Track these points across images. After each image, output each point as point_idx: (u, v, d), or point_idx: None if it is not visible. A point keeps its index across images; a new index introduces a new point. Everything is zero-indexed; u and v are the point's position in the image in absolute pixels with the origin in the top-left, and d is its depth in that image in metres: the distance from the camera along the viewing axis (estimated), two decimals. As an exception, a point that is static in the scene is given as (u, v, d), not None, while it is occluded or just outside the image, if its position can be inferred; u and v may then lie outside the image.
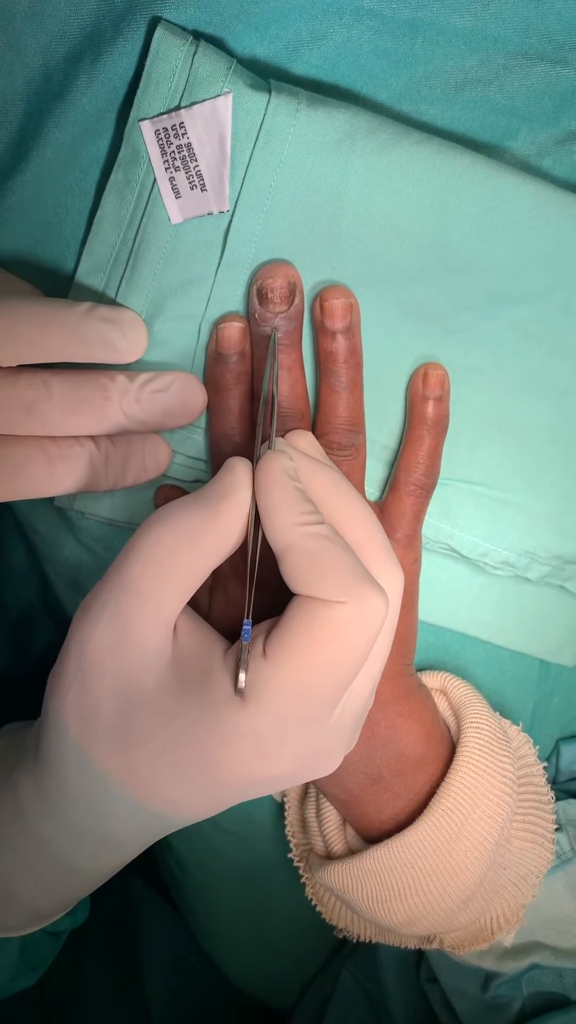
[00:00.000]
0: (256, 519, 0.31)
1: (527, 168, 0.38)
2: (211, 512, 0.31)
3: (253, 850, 0.53)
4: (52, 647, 0.71)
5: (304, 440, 0.35)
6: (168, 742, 0.30)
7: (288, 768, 0.31)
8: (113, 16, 0.33)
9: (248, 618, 0.31)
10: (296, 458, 0.33)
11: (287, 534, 0.30)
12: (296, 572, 0.30)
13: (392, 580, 0.33)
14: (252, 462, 0.32)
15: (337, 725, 0.32)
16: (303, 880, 0.46)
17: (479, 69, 0.36)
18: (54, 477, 0.36)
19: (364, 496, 0.39)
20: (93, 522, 0.43)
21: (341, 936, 0.47)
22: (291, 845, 0.47)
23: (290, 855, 0.46)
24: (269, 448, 0.33)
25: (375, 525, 0.33)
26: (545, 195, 0.35)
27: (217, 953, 0.59)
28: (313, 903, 0.46)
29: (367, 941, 0.46)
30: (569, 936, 0.44)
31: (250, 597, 0.32)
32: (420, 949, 0.51)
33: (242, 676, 0.29)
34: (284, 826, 0.48)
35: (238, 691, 0.29)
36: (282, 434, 0.36)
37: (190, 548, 0.30)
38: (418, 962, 0.51)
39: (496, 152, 0.38)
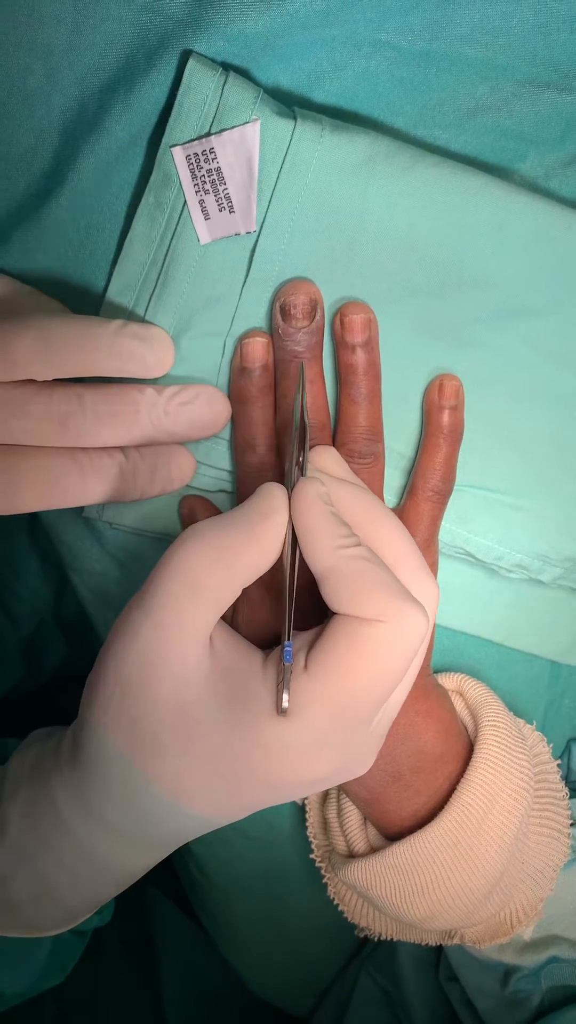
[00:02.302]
0: (293, 542, 0.32)
1: (536, 189, 0.39)
2: (248, 533, 0.32)
3: (273, 855, 0.53)
4: (64, 664, 0.72)
5: (329, 457, 0.37)
6: (212, 752, 0.31)
7: (326, 772, 0.32)
8: (146, 49, 0.35)
9: (288, 639, 0.32)
10: (327, 482, 0.34)
11: (327, 558, 0.31)
12: (337, 593, 0.31)
13: (428, 595, 0.34)
14: (284, 484, 0.33)
15: (373, 732, 0.34)
16: (325, 880, 0.47)
17: (489, 96, 0.38)
18: (86, 487, 0.37)
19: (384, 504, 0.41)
20: (119, 532, 0.45)
21: (362, 935, 0.48)
22: (312, 846, 0.47)
23: (312, 856, 0.47)
24: (302, 474, 0.34)
25: (409, 542, 0.35)
26: (553, 214, 0.37)
27: (236, 959, 0.59)
28: (335, 902, 0.47)
29: (388, 939, 0.47)
30: (587, 929, 0.45)
31: (289, 621, 0.33)
32: (439, 948, 0.52)
33: (285, 697, 0.30)
34: (303, 831, 0.49)
35: (281, 712, 0.31)
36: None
37: (225, 566, 0.31)
38: (437, 961, 0.52)
39: (506, 174, 0.40)
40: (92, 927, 0.43)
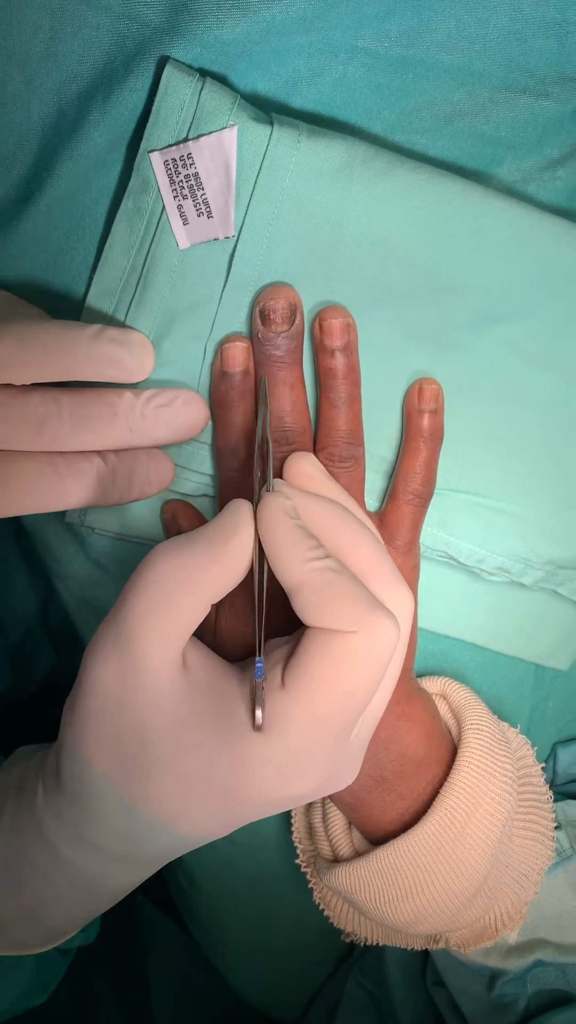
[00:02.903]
0: (260, 558, 0.33)
1: (513, 193, 0.40)
2: (214, 550, 0.32)
3: (260, 861, 0.53)
4: (53, 672, 0.72)
5: (307, 463, 0.37)
6: (192, 771, 0.31)
7: (309, 788, 0.32)
8: (124, 56, 0.35)
9: (260, 656, 0.32)
10: (294, 496, 0.34)
11: (296, 572, 0.32)
12: (309, 606, 0.31)
13: (401, 603, 0.34)
14: (251, 500, 0.33)
15: (354, 743, 0.34)
16: (310, 885, 0.47)
17: (466, 102, 0.38)
18: (63, 491, 0.37)
19: (365, 507, 0.41)
20: (102, 537, 0.45)
21: (348, 940, 0.48)
22: (298, 851, 0.47)
23: (297, 861, 0.47)
24: (267, 489, 0.34)
25: (379, 550, 0.35)
26: (531, 218, 0.38)
27: (225, 966, 0.59)
28: (321, 908, 0.47)
29: (374, 944, 0.47)
30: (572, 932, 0.45)
31: (260, 637, 0.33)
32: (426, 953, 0.52)
33: (259, 713, 0.31)
34: (289, 836, 0.49)
35: (256, 727, 0.31)
36: (283, 456, 0.38)
37: (193, 583, 0.31)
38: (424, 967, 0.52)
39: (484, 179, 0.40)
40: (77, 945, 0.43)
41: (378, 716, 0.35)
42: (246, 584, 0.39)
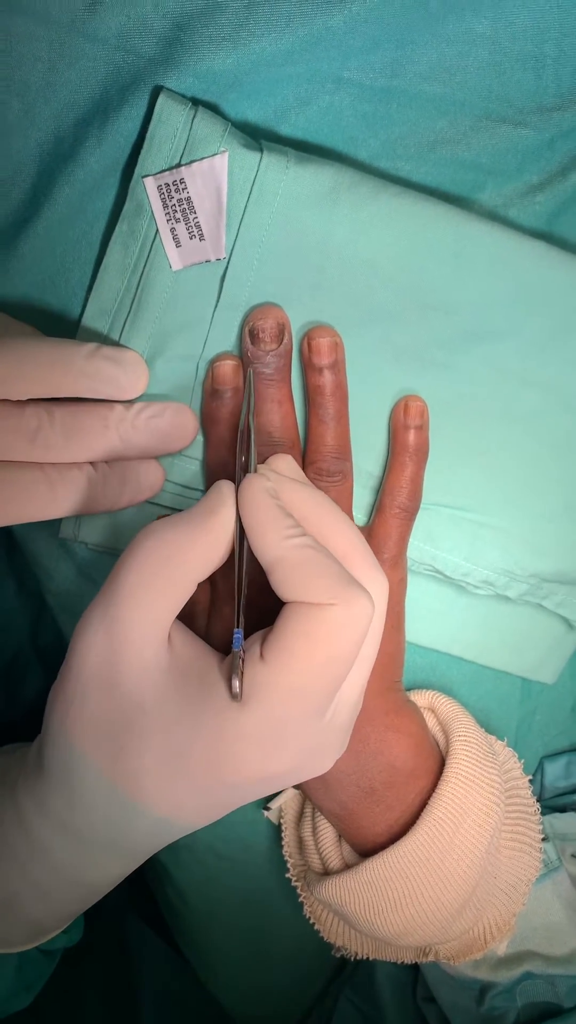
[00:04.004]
0: (241, 535, 0.34)
1: (494, 217, 0.41)
2: (198, 527, 0.33)
3: (250, 876, 0.54)
4: (42, 694, 0.72)
5: (284, 463, 0.38)
6: (172, 748, 0.32)
7: (287, 766, 0.33)
8: (120, 85, 0.37)
9: (239, 627, 0.33)
10: (276, 480, 0.35)
11: (274, 548, 0.32)
12: (286, 581, 0.32)
13: (376, 584, 0.35)
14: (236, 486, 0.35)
15: (331, 725, 0.34)
16: (301, 899, 0.47)
17: (448, 130, 0.40)
18: (55, 499, 0.38)
19: (352, 520, 0.42)
20: (93, 552, 0.45)
21: (339, 955, 0.48)
22: (288, 865, 0.48)
23: (288, 875, 0.48)
24: (249, 473, 0.35)
25: (356, 535, 0.36)
26: (511, 241, 0.39)
27: (215, 985, 0.59)
28: (311, 921, 0.47)
29: (364, 958, 0.47)
30: (559, 943, 0.45)
31: (239, 608, 0.34)
32: (416, 970, 0.52)
33: (235, 682, 0.31)
34: (279, 851, 0.49)
35: (233, 696, 0.31)
36: (264, 460, 0.39)
37: (178, 560, 0.32)
38: (414, 982, 0.52)
39: (466, 203, 0.41)
40: (60, 946, 0.43)
41: (354, 702, 0.35)
42: (233, 591, 0.40)
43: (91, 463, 0.38)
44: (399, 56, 0.37)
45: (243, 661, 0.32)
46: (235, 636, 0.33)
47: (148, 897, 0.62)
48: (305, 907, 0.47)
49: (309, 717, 0.33)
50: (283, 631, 0.32)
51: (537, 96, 0.39)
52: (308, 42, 0.36)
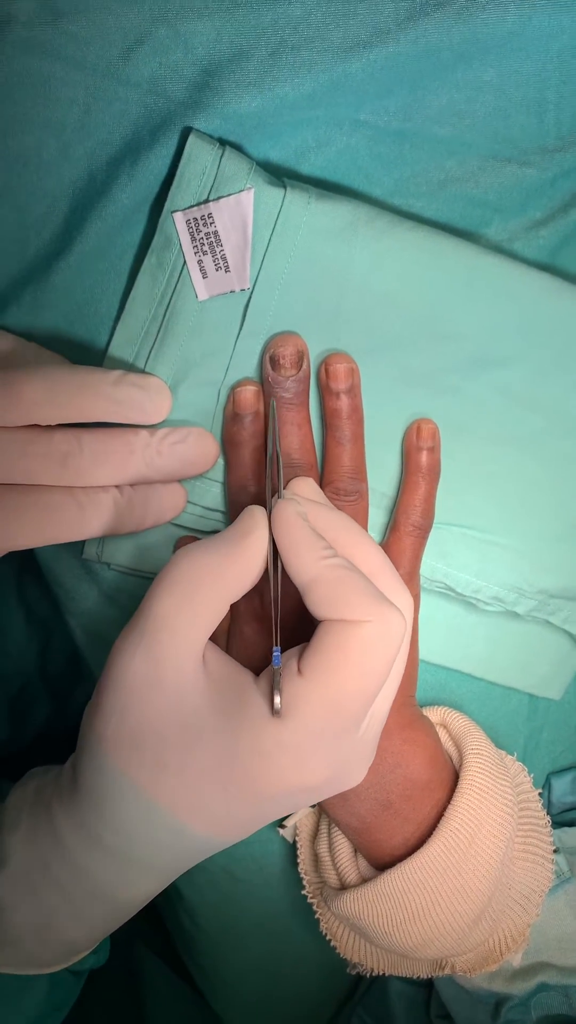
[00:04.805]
0: (274, 557, 0.35)
1: (501, 251, 0.43)
2: (233, 550, 0.34)
3: (264, 898, 0.54)
4: (50, 722, 0.72)
5: (306, 486, 0.40)
6: (211, 762, 0.33)
7: (323, 777, 0.34)
8: (151, 126, 0.39)
9: (277, 645, 0.35)
10: (304, 504, 0.37)
11: (310, 569, 0.34)
12: (323, 600, 0.34)
13: (405, 602, 0.37)
14: (267, 510, 0.36)
15: (363, 738, 0.36)
16: (317, 916, 0.47)
17: (458, 169, 0.42)
18: (83, 520, 0.39)
19: None
20: (115, 573, 0.47)
21: (355, 972, 0.48)
22: (304, 883, 0.48)
23: (303, 892, 0.48)
24: (279, 497, 0.37)
25: (382, 555, 0.37)
26: (518, 272, 0.41)
27: (226, 1011, 0.59)
28: (327, 938, 0.47)
29: (380, 975, 0.47)
30: (573, 954, 0.46)
31: (276, 626, 0.35)
32: (429, 987, 0.53)
33: (277, 699, 0.33)
34: (293, 873, 0.49)
35: (275, 712, 0.33)
36: (286, 484, 0.40)
37: (213, 582, 0.34)
38: (427, 1000, 0.52)
39: (474, 238, 0.43)
40: (88, 967, 0.43)
41: (383, 716, 0.36)
42: (256, 611, 0.41)
43: (117, 486, 0.40)
44: (411, 100, 0.40)
45: (283, 675, 0.34)
46: (274, 653, 0.34)
47: (158, 925, 0.62)
48: (321, 923, 0.47)
49: (345, 730, 0.34)
50: (321, 647, 0.33)
51: (540, 138, 0.41)
52: (328, 87, 0.39)
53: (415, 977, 0.47)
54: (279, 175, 0.40)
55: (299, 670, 0.33)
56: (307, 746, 0.33)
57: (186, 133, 0.38)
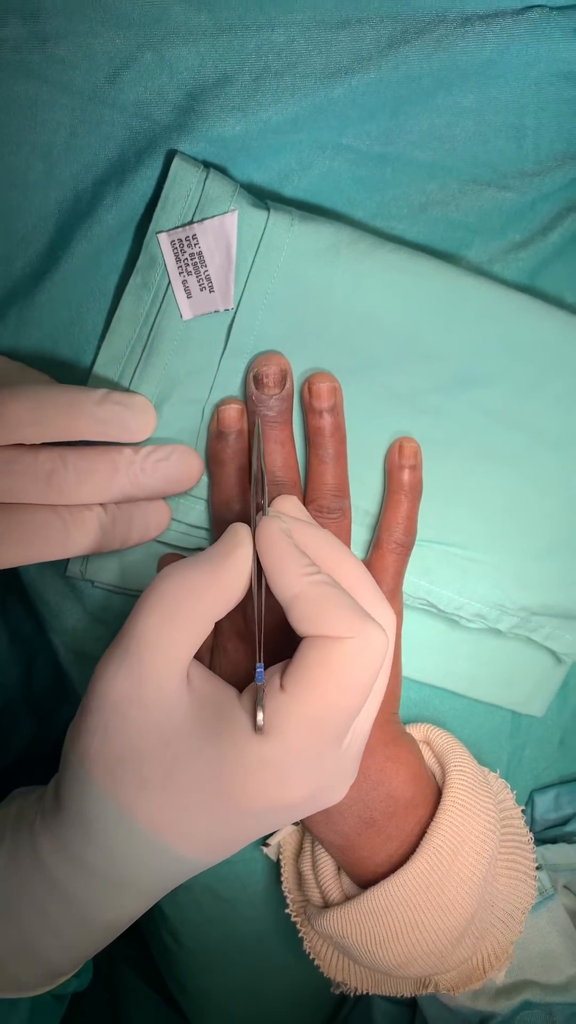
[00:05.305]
0: (258, 574, 0.35)
1: (481, 272, 0.44)
2: (216, 567, 0.35)
3: (247, 917, 0.54)
4: (34, 742, 0.72)
5: (290, 504, 0.40)
6: (194, 779, 0.33)
7: (306, 793, 0.34)
8: (136, 149, 0.40)
9: (260, 661, 0.35)
10: (287, 521, 0.37)
11: (293, 585, 0.34)
12: (306, 616, 0.34)
13: (387, 618, 0.37)
14: (250, 527, 0.36)
15: (346, 754, 0.36)
16: (300, 935, 0.47)
17: (438, 193, 0.43)
18: (69, 539, 0.39)
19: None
20: (100, 591, 0.47)
21: (338, 991, 0.48)
22: (288, 901, 0.48)
23: (287, 911, 0.48)
24: (263, 515, 0.37)
25: (364, 572, 0.38)
26: (497, 293, 0.42)
27: (208, 1031, 0.59)
28: (311, 957, 0.47)
29: (363, 994, 0.47)
30: (556, 971, 0.46)
31: (260, 642, 0.36)
32: (413, 1008, 0.52)
33: (260, 715, 0.33)
34: (276, 891, 0.49)
35: (257, 729, 0.33)
36: (269, 501, 0.41)
37: (197, 599, 0.34)
38: (412, 1019, 0.52)
39: (454, 259, 0.44)
40: (71, 990, 0.43)
41: (366, 732, 0.37)
42: (239, 629, 0.41)
43: (101, 504, 0.40)
44: (393, 125, 0.41)
45: (264, 693, 0.34)
46: (257, 670, 0.34)
47: (141, 946, 0.62)
48: (305, 942, 0.47)
49: (328, 745, 0.34)
50: (303, 663, 0.33)
51: (519, 163, 0.42)
52: (310, 112, 0.40)
53: (399, 996, 0.46)
54: (263, 197, 0.41)
55: (281, 686, 0.34)
56: (290, 762, 0.33)
57: (171, 156, 0.39)
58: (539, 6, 0.39)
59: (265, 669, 0.35)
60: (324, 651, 0.33)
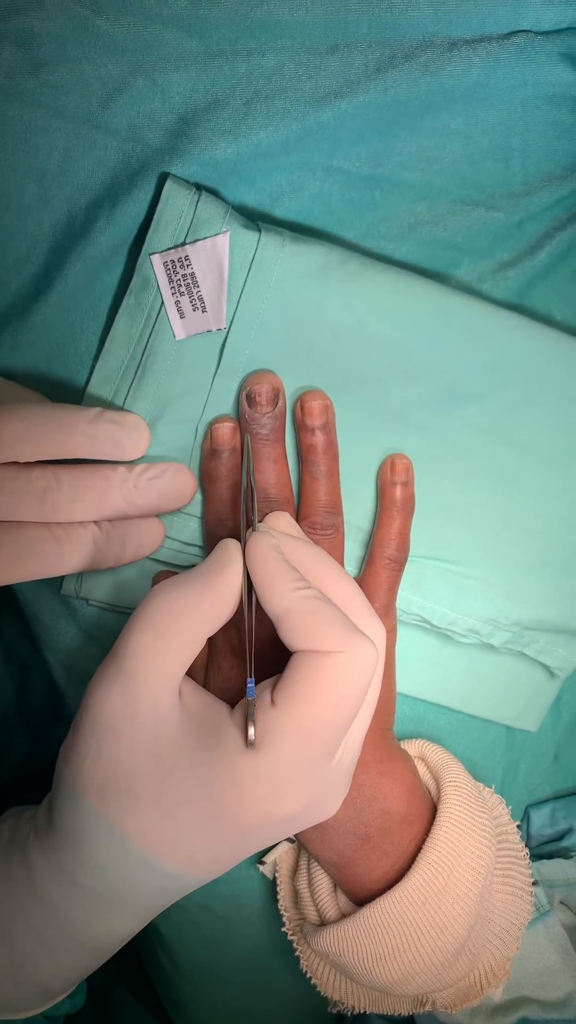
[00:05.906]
0: (249, 591, 0.35)
1: (470, 291, 0.45)
2: (207, 584, 0.35)
3: (244, 936, 0.54)
4: (28, 761, 0.72)
5: (282, 520, 0.40)
6: (186, 796, 0.33)
7: (298, 808, 0.34)
8: (129, 172, 0.40)
9: (251, 676, 0.35)
10: (278, 537, 0.37)
11: (283, 600, 0.34)
12: (296, 631, 0.34)
13: (377, 632, 0.37)
14: (241, 543, 0.37)
15: (338, 767, 0.36)
16: (297, 953, 0.47)
17: (427, 213, 0.44)
18: (63, 557, 0.39)
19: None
20: (95, 609, 0.47)
21: (335, 1011, 0.48)
22: (284, 919, 0.48)
23: (284, 929, 0.48)
24: (253, 530, 0.37)
25: (354, 587, 0.38)
26: (487, 312, 0.42)
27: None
28: (307, 975, 0.47)
29: (361, 1012, 0.47)
30: (553, 987, 0.46)
31: (251, 658, 0.36)
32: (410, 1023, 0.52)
33: (251, 730, 0.33)
34: (273, 909, 0.49)
35: (249, 744, 0.33)
36: (262, 517, 0.41)
37: (188, 617, 0.34)
38: (409, 1038, 0.52)
39: (444, 279, 0.45)
40: (64, 1012, 0.42)
41: (358, 745, 0.37)
42: (233, 645, 0.41)
43: (95, 522, 0.40)
44: (382, 147, 0.41)
45: (255, 708, 0.34)
46: (248, 685, 0.34)
47: (136, 966, 0.61)
48: (301, 961, 0.47)
49: (319, 759, 0.34)
50: (294, 678, 0.34)
51: (506, 183, 0.43)
52: (301, 135, 0.40)
53: (396, 1015, 0.46)
54: (254, 219, 0.41)
55: (272, 701, 0.34)
56: (282, 776, 0.33)
57: (163, 178, 0.40)
58: (524, 31, 0.39)
59: (257, 684, 0.36)
60: (314, 665, 0.33)
